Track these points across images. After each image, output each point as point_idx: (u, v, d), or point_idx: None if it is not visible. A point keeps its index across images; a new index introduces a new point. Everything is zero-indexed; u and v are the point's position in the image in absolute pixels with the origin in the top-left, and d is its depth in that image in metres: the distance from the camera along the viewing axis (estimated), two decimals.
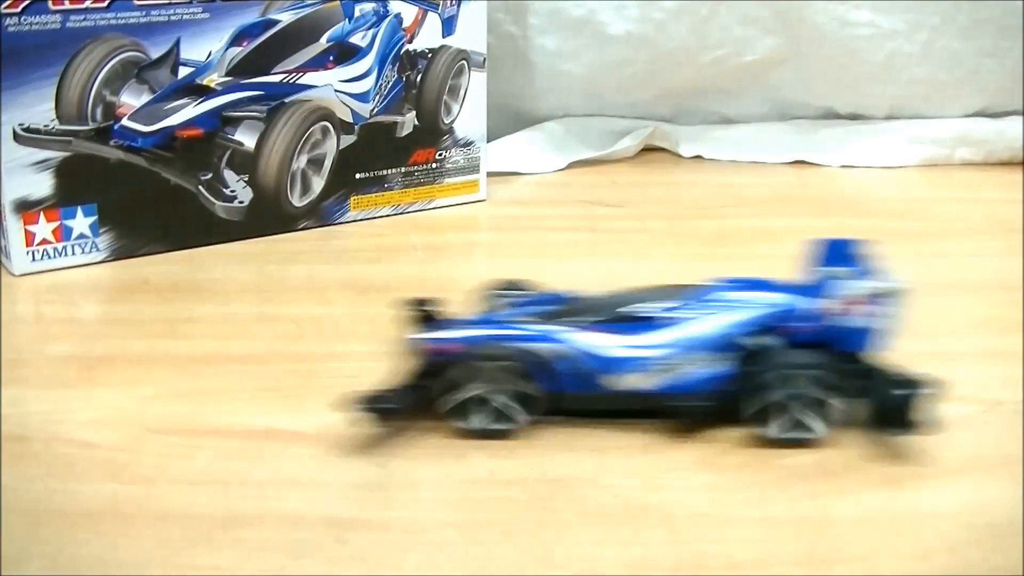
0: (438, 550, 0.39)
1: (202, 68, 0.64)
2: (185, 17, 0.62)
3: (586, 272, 0.63)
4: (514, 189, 0.78)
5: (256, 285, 0.61)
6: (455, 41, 0.71)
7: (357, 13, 0.68)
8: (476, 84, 0.73)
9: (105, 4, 0.60)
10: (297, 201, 0.68)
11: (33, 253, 0.62)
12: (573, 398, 0.46)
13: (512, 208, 0.75)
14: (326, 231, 0.70)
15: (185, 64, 0.63)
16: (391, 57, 0.69)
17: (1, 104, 0.59)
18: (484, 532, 0.40)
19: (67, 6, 0.59)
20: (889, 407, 0.45)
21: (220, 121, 0.65)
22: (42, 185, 0.61)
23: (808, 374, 0.45)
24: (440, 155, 0.73)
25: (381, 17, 0.68)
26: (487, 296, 0.51)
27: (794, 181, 0.82)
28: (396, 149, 0.71)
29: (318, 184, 0.69)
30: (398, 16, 0.69)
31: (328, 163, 0.69)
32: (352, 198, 0.71)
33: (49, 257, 0.62)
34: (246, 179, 0.66)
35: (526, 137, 0.84)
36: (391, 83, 0.70)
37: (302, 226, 0.69)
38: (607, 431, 0.47)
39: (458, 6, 0.71)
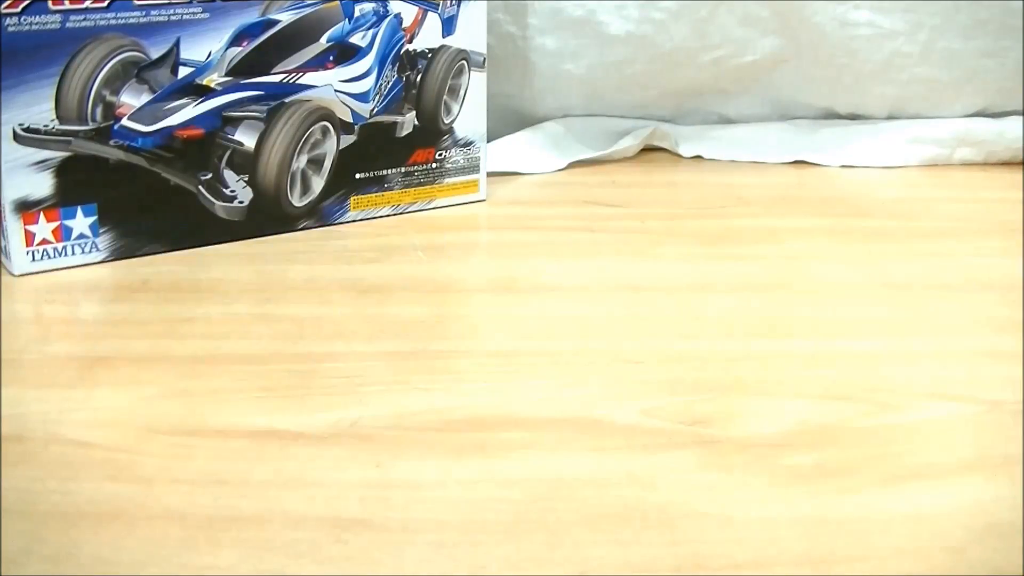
0: (438, 550, 0.39)
1: (202, 68, 0.64)
2: (185, 17, 0.62)
3: (586, 272, 0.64)
4: (514, 189, 0.78)
5: (256, 285, 0.61)
6: (455, 41, 0.71)
7: (357, 13, 0.68)
8: (476, 84, 0.73)
9: (105, 4, 0.60)
10: (297, 201, 0.68)
11: (33, 253, 0.62)
12: None
13: (512, 208, 0.75)
14: (326, 231, 0.70)
15: (185, 64, 0.63)
16: (391, 57, 0.69)
17: (1, 104, 0.59)
18: (484, 532, 0.40)
19: (67, 6, 0.59)
20: None
21: (220, 121, 0.65)
22: (42, 185, 0.61)
23: None
24: (440, 155, 0.73)
25: (381, 17, 0.68)
26: None
27: (794, 181, 0.82)
28: (396, 149, 0.71)
29: (318, 184, 0.69)
30: (398, 16, 0.69)
31: (328, 163, 0.69)
32: (352, 198, 0.71)
33: (49, 257, 0.62)
34: (246, 179, 0.66)
35: (526, 137, 0.84)
36: (391, 83, 0.70)
37: (302, 226, 0.69)
38: (606, 431, 0.47)
39: (458, 6, 0.71)
